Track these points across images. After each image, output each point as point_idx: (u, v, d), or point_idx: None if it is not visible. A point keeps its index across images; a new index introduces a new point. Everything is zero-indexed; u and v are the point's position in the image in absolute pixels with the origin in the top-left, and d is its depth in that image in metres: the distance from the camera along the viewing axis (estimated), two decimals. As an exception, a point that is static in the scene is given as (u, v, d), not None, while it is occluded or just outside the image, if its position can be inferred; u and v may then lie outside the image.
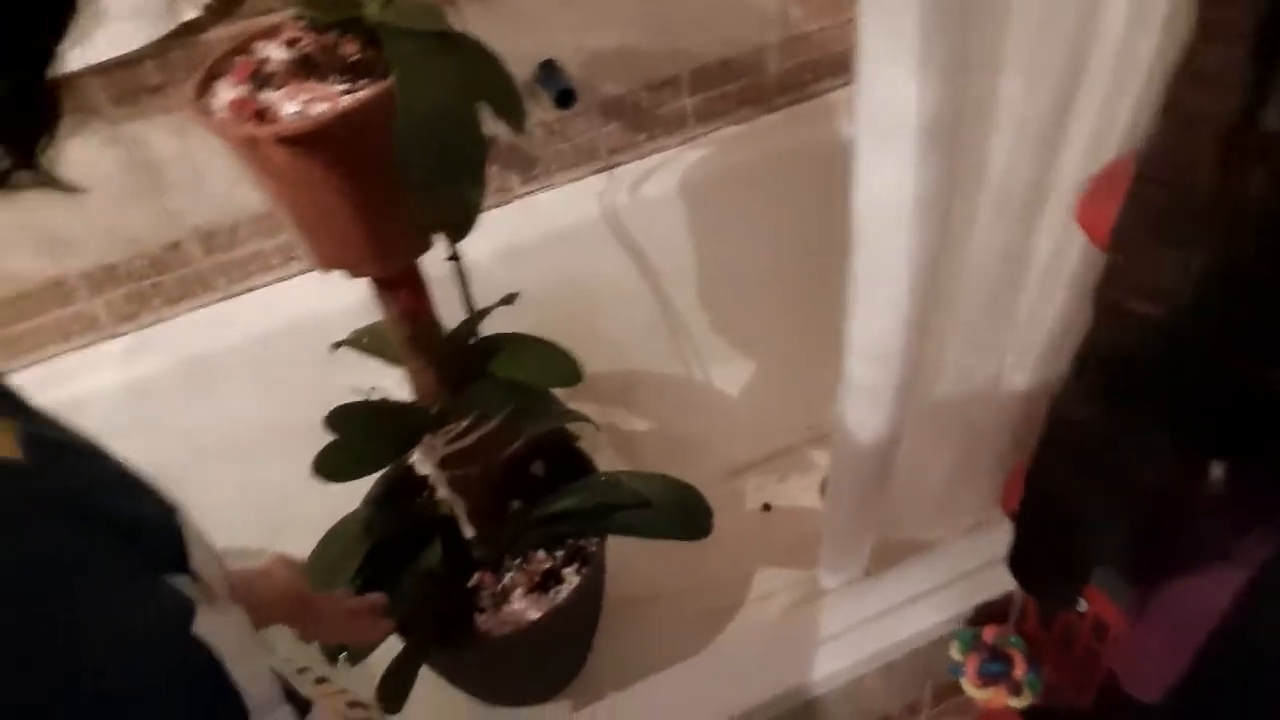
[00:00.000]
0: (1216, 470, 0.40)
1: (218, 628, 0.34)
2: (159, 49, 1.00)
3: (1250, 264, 0.34)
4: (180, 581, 0.36)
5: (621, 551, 1.37)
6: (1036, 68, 0.51)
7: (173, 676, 0.32)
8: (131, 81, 1.03)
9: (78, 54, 0.95)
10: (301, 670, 0.55)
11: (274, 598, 0.68)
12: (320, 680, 0.54)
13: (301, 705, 0.39)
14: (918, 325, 0.60)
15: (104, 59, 0.96)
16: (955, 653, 0.77)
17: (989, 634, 0.75)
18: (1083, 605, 0.60)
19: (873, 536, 0.84)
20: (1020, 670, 0.72)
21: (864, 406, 0.67)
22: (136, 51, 0.98)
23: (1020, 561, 0.60)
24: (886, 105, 0.49)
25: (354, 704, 0.52)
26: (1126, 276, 0.42)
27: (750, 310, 1.48)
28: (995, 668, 0.73)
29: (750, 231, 1.40)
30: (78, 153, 1.06)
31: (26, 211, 1.08)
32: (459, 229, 0.73)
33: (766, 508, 1.47)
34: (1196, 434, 0.40)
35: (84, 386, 1.21)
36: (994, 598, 0.79)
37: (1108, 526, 0.49)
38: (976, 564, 0.83)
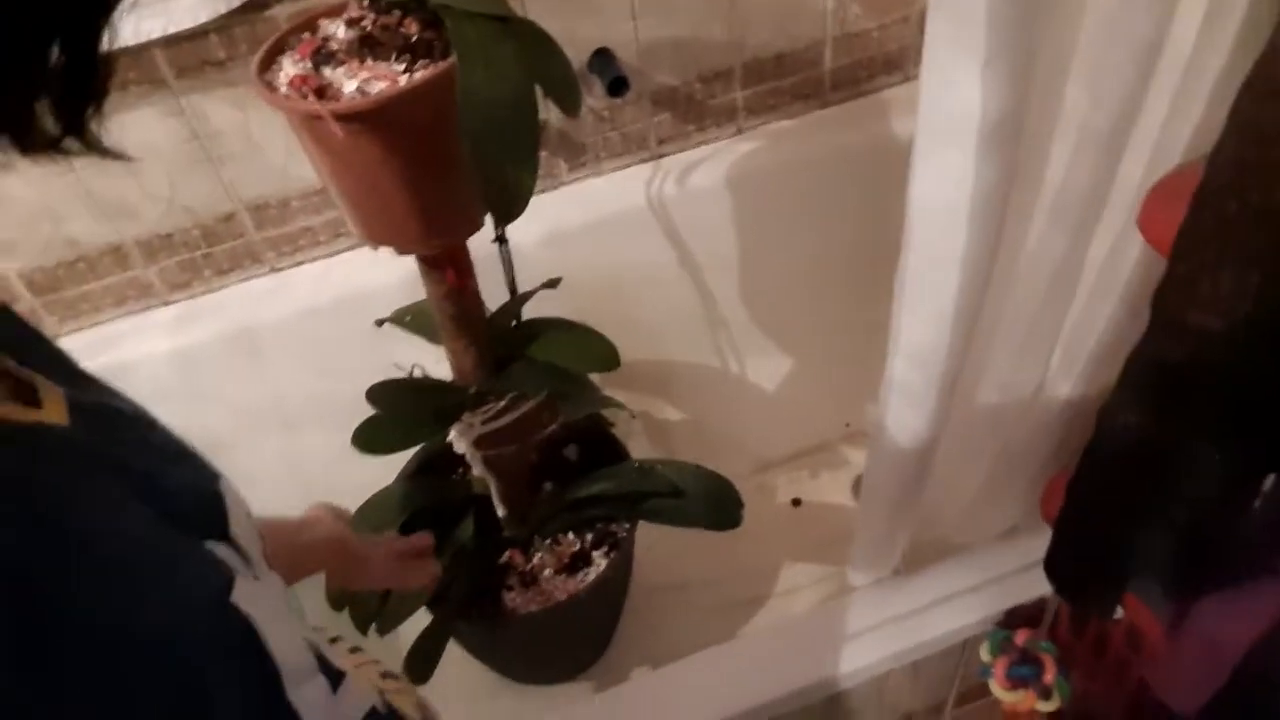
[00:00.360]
0: (1267, 485, 0.40)
1: (255, 597, 0.34)
2: (224, 23, 1.02)
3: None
4: (220, 549, 0.37)
5: (650, 538, 1.38)
6: (1103, 74, 0.51)
7: (211, 643, 0.32)
8: (196, 55, 1.05)
9: (145, 26, 0.97)
10: (334, 640, 0.56)
11: (317, 546, 0.70)
12: (354, 650, 0.55)
13: (334, 676, 0.39)
14: (965, 329, 0.60)
15: (170, 32, 0.98)
16: (985, 654, 0.77)
17: (1020, 637, 0.75)
18: (1119, 613, 0.60)
19: (905, 536, 0.84)
20: (1050, 675, 0.72)
21: (905, 407, 0.67)
22: (202, 25, 1.00)
23: (1058, 567, 0.60)
24: (949, 106, 0.49)
25: (387, 674, 0.53)
26: (1186, 286, 0.41)
27: (790, 306, 1.47)
28: (1025, 671, 0.73)
29: (795, 227, 1.39)
30: (141, 123, 1.08)
31: (89, 178, 1.11)
32: (509, 211, 0.74)
33: (797, 503, 1.47)
34: (1249, 448, 0.40)
35: (135, 351, 1.24)
36: (1026, 602, 0.79)
37: (1151, 537, 0.48)
38: (1009, 568, 0.83)
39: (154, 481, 0.35)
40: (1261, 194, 0.35)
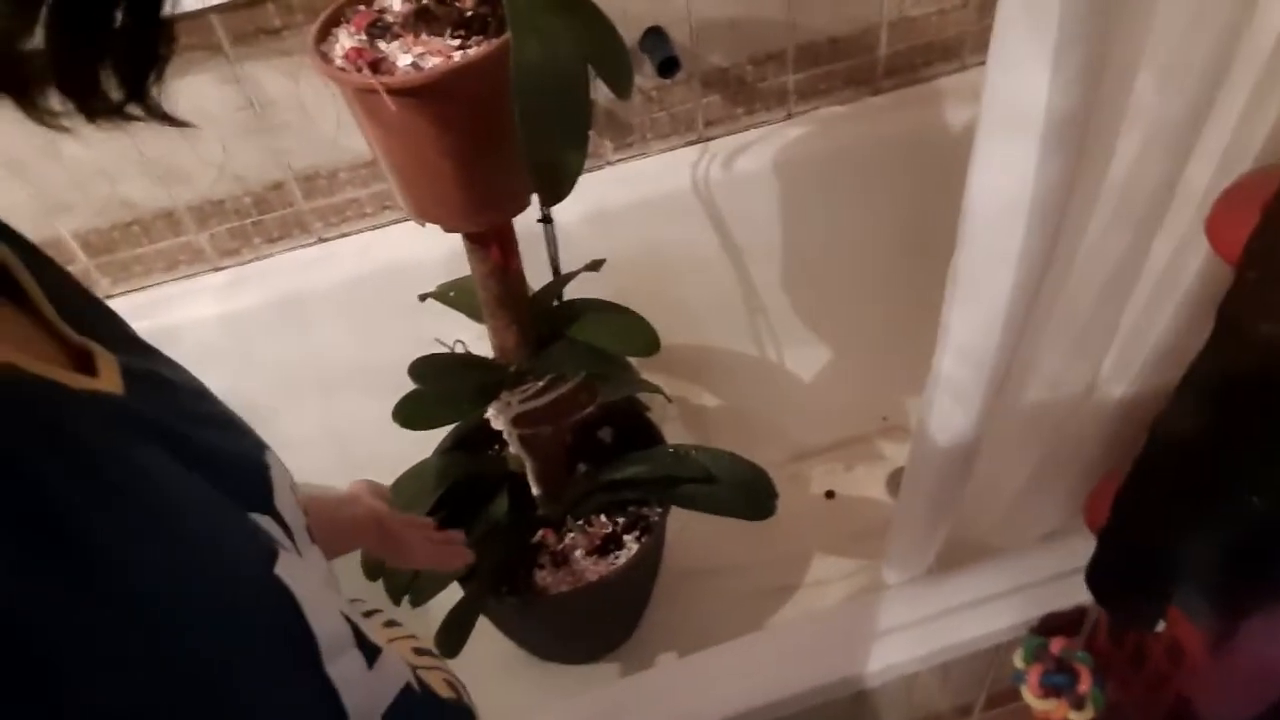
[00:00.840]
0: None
1: (297, 571, 0.35)
2: (280, -8, 1.03)
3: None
4: (264, 521, 0.37)
5: (682, 523, 1.38)
6: (1175, 69, 0.49)
7: (253, 613, 0.32)
8: (252, 23, 1.06)
9: (206, -8, 0.97)
10: (370, 613, 0.56)
11: (358, 524, 0.71)
12: (390, 624, 0.55)
13: (370, 651, 0.39)
14: (1017, 328, 0.58)
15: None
16: (1019, 660, 0.76)
17: (1056, 645, 0.74)
18: (1160, 626, 0.58)
19: (943, 535, 0.83)
20: (1085, 685, 0.71)
21: (951, 404, 0.65)
22: (258, -7, 1.00)
23: (1100, 577, 0.58)
24: (1015, 97, 0.47)
25: (421, 650, 0.53)
26: (1255, 295, 0.40)
27: (832, 296, 1.46)
28: (1059, 679, 0.72)
29: (841, 215, 1.38)
30: (196, 89, 1.09)
31: (146, 142, 1.13)
32: (556, 191, 0.74)
33: (830, 495, 1.46)
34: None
35: (186, 315, 1.26)
36: (1063, 609, 0.78)
37: (1201, 552, 0.47)
38: (1047, 573, 0.81)
39: (204, 451, 0.35)
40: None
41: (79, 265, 1.21)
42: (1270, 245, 0.39)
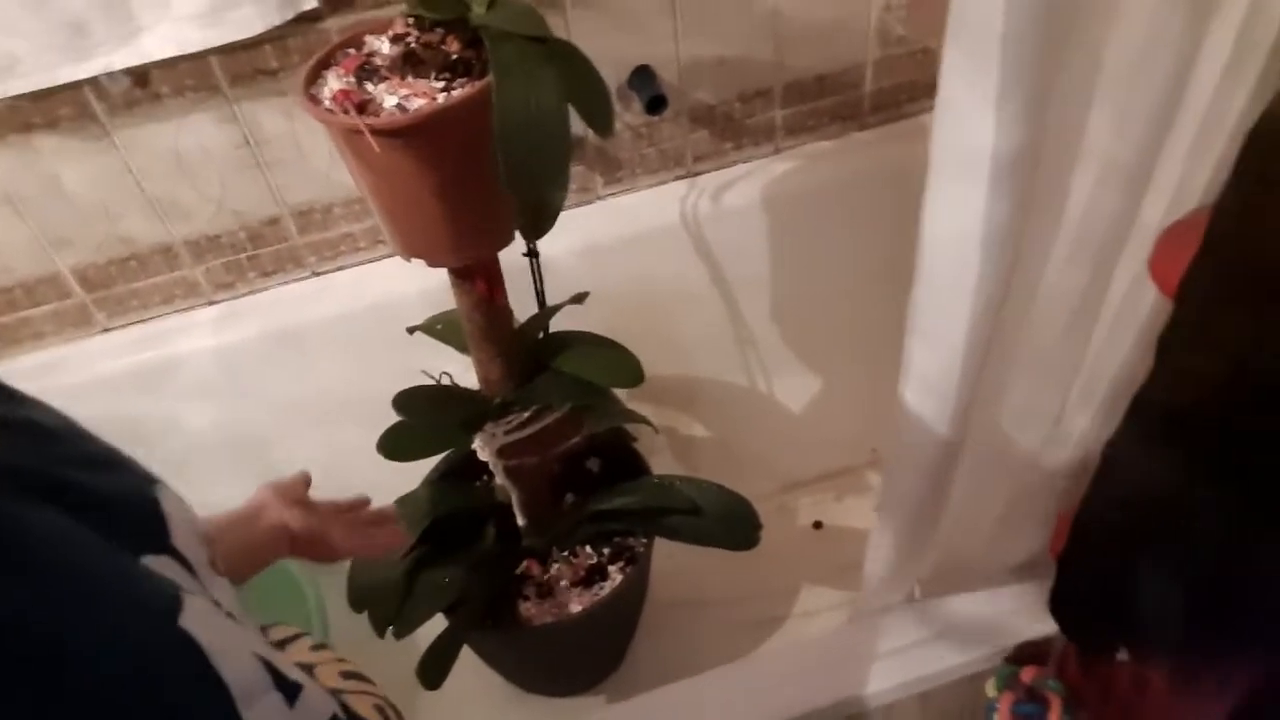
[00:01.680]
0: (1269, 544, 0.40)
1: (202, 618, 0.33)
2: (278, 34, 1.06)
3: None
4: (162, 562, 0.36)
5: (668, 555, 1.38)
6: (1128, 109, 0.51)
7: (160, 670, 0.31)
8: (250, 64, 1.09)
9: (204, 35, 1.01)
10: (295, 637, 0.55)
11: (269, 536, 0.70)
12: (317, 647, 0.55)
13: (290, 689, 0.38)
14: (977, 361, 0.60)
15: (227, 41, 1.02)
16: (990, 689, 0.76)
17: (1027, 675, 0.75)
18: (1123, 654, 0.59)
19: (919, 565, 0.84)
20: (1055, 714, 0.71)
21: (917, 434, 0.67)
22: (257, 35, 1.03)
23: (1061, 604, 0.59)
24: (961, 140, 0.49)
25: (349, 674, 0.51)
26: (1188, 329, 0.41)
27: (820, 328, 1.48)
28: (1029, 709, 0.72)
29: (828, 248, 1.40)
30: (197, 127, 1.12)
31: (147, 179, 1.15)
32: (538, 227, 0.76)
33: (818, 525, 1.47)
34: (1248, 499, 0.39)
35: (182, 348, 1.28)
36: (1036, 638, 0.78)
37: (1152, 579, 0.48)
38: (1023, 602, 0.82)
39: (88, 497, 0.34)
40: (1261, 240, 0.36)
41: (76, 300, 1.24)
42: (1199, 283, 0.40)
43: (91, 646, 0.28)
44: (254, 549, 0.69)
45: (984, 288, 0.55)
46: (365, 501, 0.87)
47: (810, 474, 1.54)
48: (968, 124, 0.48)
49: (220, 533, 0.68)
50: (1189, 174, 0.54)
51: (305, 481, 0.81)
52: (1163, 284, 0.47)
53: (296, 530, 0.72)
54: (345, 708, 0.43)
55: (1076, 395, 0.69)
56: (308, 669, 0.49)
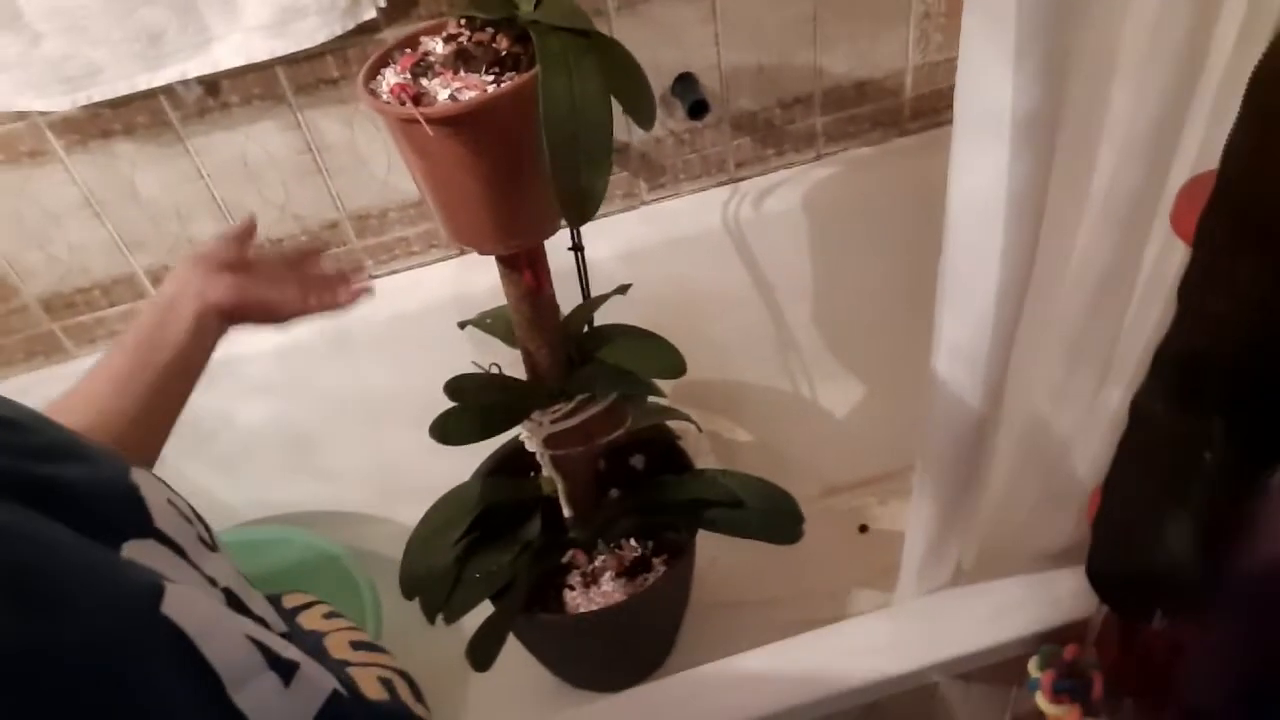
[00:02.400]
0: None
1: (187, 604, 0.33)
2: (339, 45, 1.12)
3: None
4: (146, 546, 0.35)
5: (713, 557, 1.40)
6: (1146, 77, 0.53)
7: (141, 662, 0.30)
8: (313, 73, 1.15)
9: (270, 45, 1.07)
10: (309, 605, 0.54)
11: (185, 331, 0.65)
12: (330, 615, 0.54)
13: (285, 668, 0.37)
14: (1007, 329, 0.61)
15: (291, 51, 1.08)
16: (1034, 668, 0.76)
17: (1069, 653, 0.74)
18: (1158, 619, 0.59)
19: (957, 547, 0.84)
20: (1098, 691, 0.71)
21: (949, 405, 0.68)
22: (320, 46, 1.10)
23: (1095, 567, 0.60)
24: (982, 101, 0.51)
25: (359, 644, 0.49)
26: (1204, 274, 0.43)
27: (863, 332, 1.48)
28: (1070, 684, 0.72)
29: (870, 253, 1.41)
30: (263, 134, 1.19)
31: (218, 184, 1.22)
32: (582, 211, 0.79)
33: (864, 529, 1.47)
34: (1260, 432, 0.40)
35: (241, 346, 1.33)
36: (1080, 618, 0.78)
37: (1178, 532, 0.49)
38: (1066, 586, 0.82)
39: (59, 489, 0.33)
40: (1270, 180, 0.37)
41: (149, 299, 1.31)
42: (1214, 225, 0.41)
43: (65, 648, 0.28)
44: (178, 347, 0.63)
45: (1011, 251, 0.56)
46: (316, 251, 0.80)
47: (854, 478, 1.54)
48: (987, 83, 0.50)
49: (138, 344, 0.63)
50: (1211, 139, 0.55)
51: (240, 236, 0.73)
52: (1183, 234, 0.48)
53: (224, 303, 0.67)
54: (347, 683, 0.42)
55: (1110, 370, 0.69)
56: (319, 636, 0.49)
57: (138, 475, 0.38)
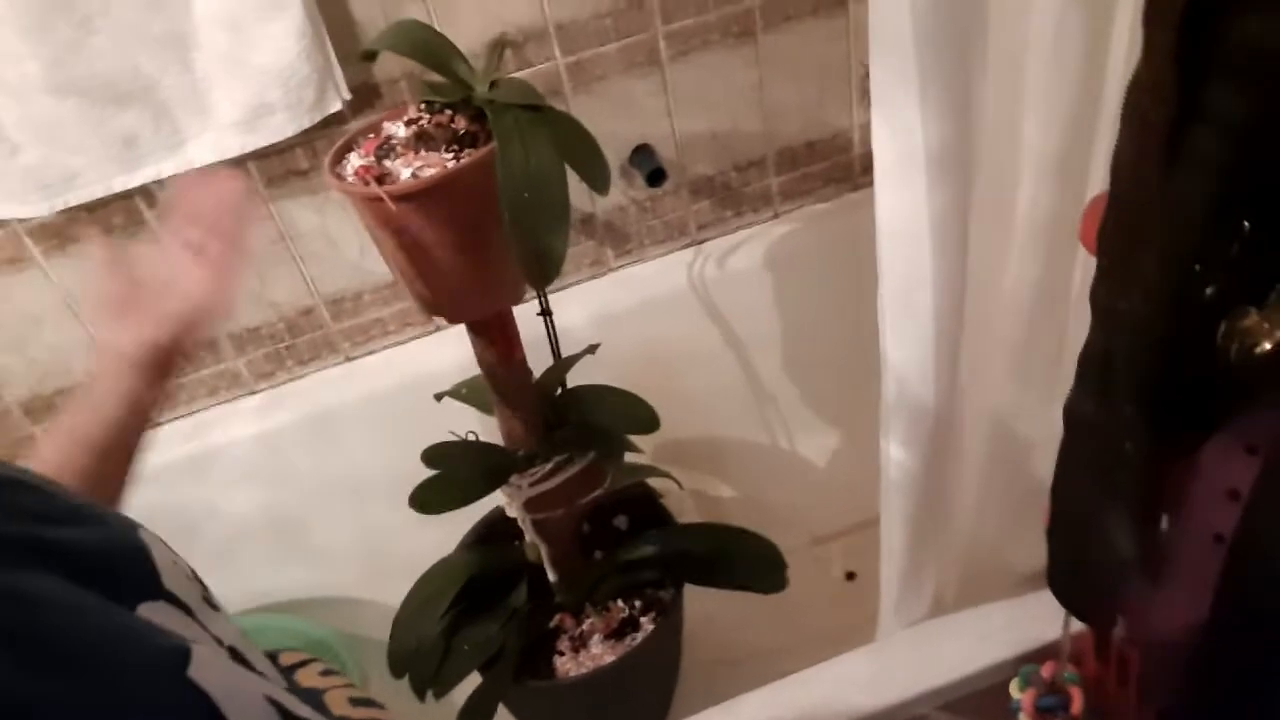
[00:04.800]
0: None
1: (210, 668, 0.33)
2: (307, 138, 1.17)
3: (1187, 254, 0.38)
4: (158, 607, 0.35)
5: (705, 615, 1.39)
6: (1050, 106, 0.57)
7: None
8: (283, 166, 1.20)
9: (240, 141, 1.12)
10: (305, 663, 0.55)
11: (117, 396, 0.59)
12: (326, 673, 0.55)
13: None
14: (950, 350, 0.64)
15: (262, 145, 1.13)
16: (1015, 690, 0.77)
17: (1047, 670, 0.75)
18: (1119, 627, 0.61)
19: (933, 577, 0.85)
20: (1077, 706, 0.72)
21: (904, 431, 0.70)
22: (288, 140, 1.14)
23: (1054, 578, 0.61)
24: (896, 138, 0.55)
25: (358, 700, 0.50)
26: (1107, 277, 0.46)
27: (835, 380, 1.51)
28: (1051, 701, 0.73)
29: (834, 303, 1.45)
30: (235, 226, 1.22)
31: (190, 276, 1.25)
32: (544, 274, 0.83)
33: (851, 576, 1.47)
34: (1167, 413, 0.43)
35: (224, 436, 1.35)
36: (1056, 637, 0.79)
37: (1118, 527, 0.51)
38: (1046, 606, 0.83)
39: (75, 553, 0.33)
40: (1145, 179, 0.41)
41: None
42: (1109, 232, 0.45)
43: (98, 714, 0.28)
44: (103, 413, 0.58)
45: (940, 276, 0.60)
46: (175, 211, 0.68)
47: (840, 526, 1.55)
48: (899, 122, 0.54)
49: (73, 425, 0.58)
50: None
51: (110, 263, 0.64)
52: (1089, 247, 0.52)
53: (142, 349, 0.60)
54: None
55: (1056, 388, 0.72)
56: (317, 693, 0.49)
57: (146, 536, 0.39)
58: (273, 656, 0.51)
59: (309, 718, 0.38)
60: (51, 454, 0.58)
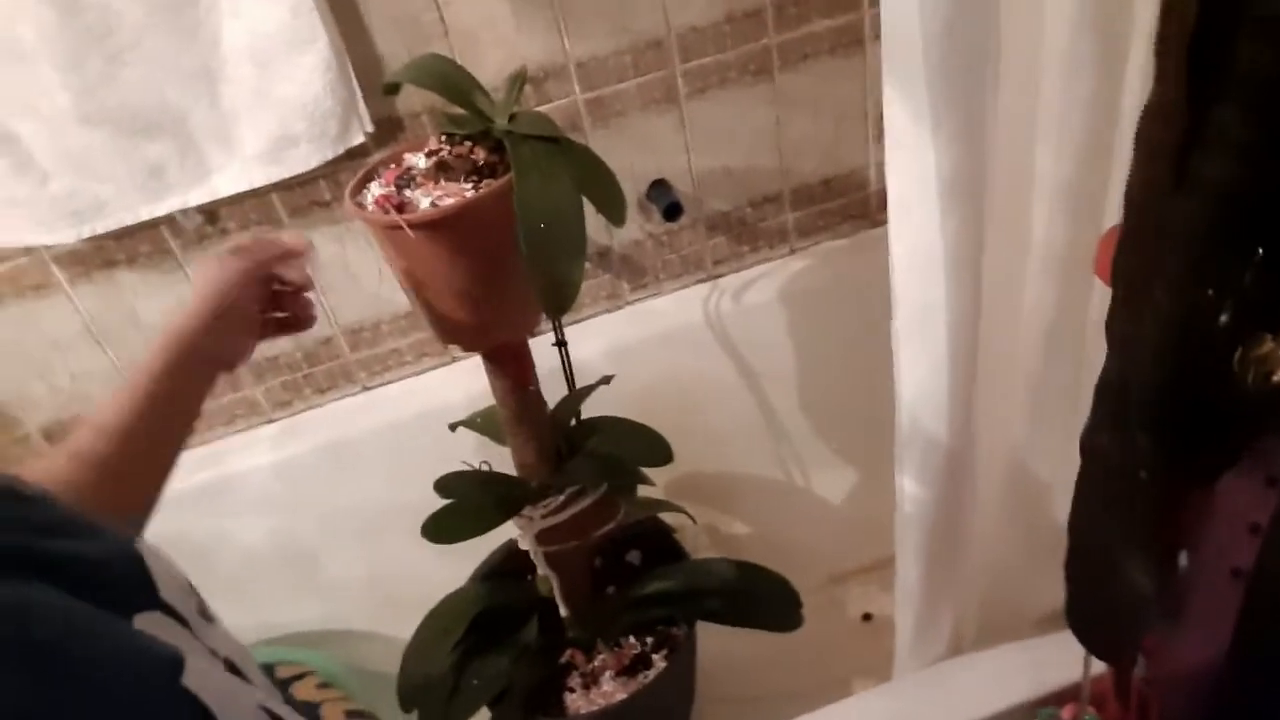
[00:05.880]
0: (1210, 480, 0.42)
1: (205, 677, 0.33)
2: (330, 169, 1.19)
3: (1198, 280, 0.38)
4: (154, 618, 0.36)
5: (719, 652, 1.37)
6: (1063, 133, 0.57)
7: None
8: (306, 197, 1.22)
9: (265, 172, 1.14)
10: (302, 676, 0.54)
11: (206, 386, 0.66)
12: (323, 685, 0.55)
13: None
14: (965, 381, 0.64)
15: (286, 177, 1.15)
16: (1034, 733, 0.75)
17: (1068, 712, 0.73)
18: (1140, 665, 0.59)
19: (951, 615, 0.84)
20: (1099, 749, 0.70)
21: (920, 459, 0.70)
22: (312, 171, 1.16)
23: (1074, 615, 0.60)
24: (910, 166, 0.55)
25: (353, 713, 0.51)
26: (1123, 307, 0.46)
27: (851, 418, 1.50)
28: (1071, 745, 0.71)
29: (851, 339, 1.44)
30: (257, 256, 1.24)
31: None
32: (560, 303, 0.83)
33: (868, 617, 1.45)
34: (1182, 443, 0.42)
35: (241, 465, 1.36)
36: (1079, 678, 0.77)
37: (1135, 560, 0.50)
38: (1064, 644, 0.81)
39: (72, 564, 0.33)
40: (1155, 205, 0.40)
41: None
42: (1124, 261, 0.45)
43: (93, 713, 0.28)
44: (189, 409, 0.65)
45: (956, 304, 0.59)
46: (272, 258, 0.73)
47: (856, 564, 1.53)
48: (913, 152, 0.54)
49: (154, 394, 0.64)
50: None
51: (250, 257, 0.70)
52: (1104, 278, 0.51)
53: (236, 365, 0.67)
54: None
55: (1075, 421, 0.71)
56: (313, 706, 0.49)
57: (143, 547, 0.39)
58: (270, 669, 0.50)
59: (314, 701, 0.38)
60: (114, 417, 0.61)
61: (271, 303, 0.73)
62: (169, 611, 0.37)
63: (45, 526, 0.35)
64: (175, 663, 0.32)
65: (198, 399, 0.67)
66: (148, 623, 0.35)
